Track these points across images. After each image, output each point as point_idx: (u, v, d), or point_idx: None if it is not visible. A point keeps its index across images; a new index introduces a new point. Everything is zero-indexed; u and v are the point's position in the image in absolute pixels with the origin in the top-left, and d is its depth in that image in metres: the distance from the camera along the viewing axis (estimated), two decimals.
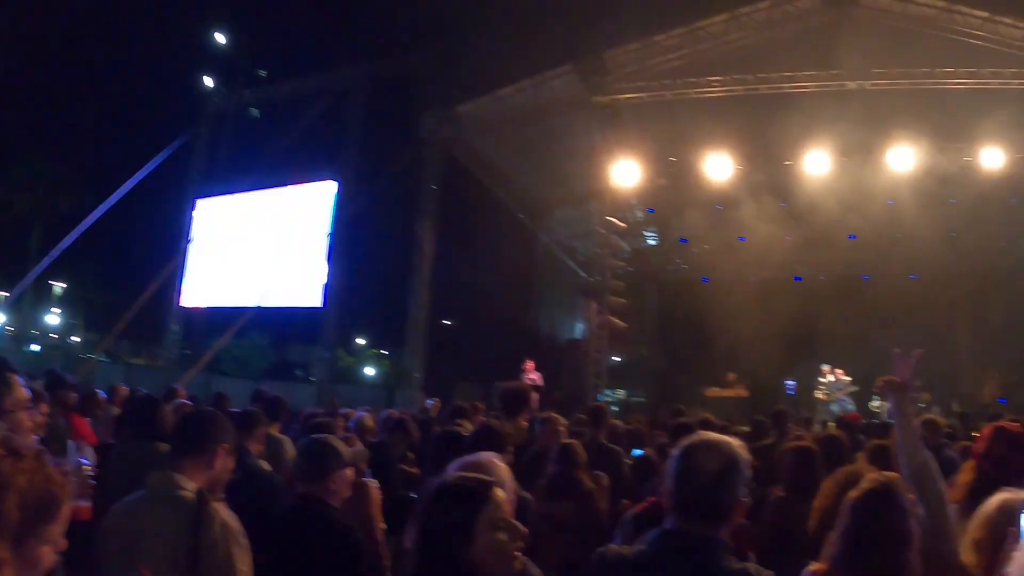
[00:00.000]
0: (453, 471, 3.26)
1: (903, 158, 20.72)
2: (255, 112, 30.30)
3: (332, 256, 24.71)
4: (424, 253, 22.01)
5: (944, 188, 23.07)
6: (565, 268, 30.55)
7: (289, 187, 26.75)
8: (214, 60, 30.42)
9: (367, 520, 5.19)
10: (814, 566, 3.57)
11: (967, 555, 3.36)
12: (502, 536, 2.75)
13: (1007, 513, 3.08)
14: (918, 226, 24.38)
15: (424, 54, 22.84)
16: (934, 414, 17.40)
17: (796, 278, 28.67)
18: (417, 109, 22.31)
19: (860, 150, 21.06)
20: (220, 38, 30.22)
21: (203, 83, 30.17)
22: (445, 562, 2.66)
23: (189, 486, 3.55)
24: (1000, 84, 20.16)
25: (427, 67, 22.75)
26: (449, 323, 29.04)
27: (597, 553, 3.05)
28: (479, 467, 3.43)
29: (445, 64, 22.12)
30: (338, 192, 25.34)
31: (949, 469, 5.86)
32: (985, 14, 19.93)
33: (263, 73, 30.93)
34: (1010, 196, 24.28)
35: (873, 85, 20.26)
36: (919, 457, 3.81)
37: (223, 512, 3.55)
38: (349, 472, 4.56)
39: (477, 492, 2.77)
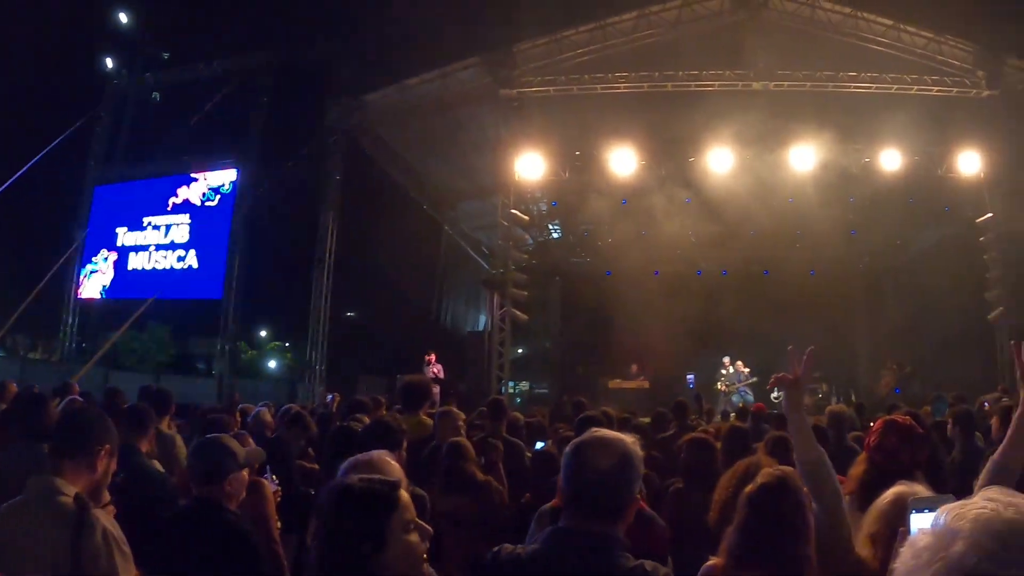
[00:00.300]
0: (345, 471, 3.27)
1: (805, 157, 21.16)
2: (157, 97, 29.53)
3: (233, 246, 24.28)
4: (327, 244, 21.69)
5: (844, 187, 23.68)
6: (469, 260, 30.55)
7: (191, 174, 26.09)
8: (115, 40, 29.19)
9: (263, 521, 5.09)
10: (712, 560, 3.60)
11: (863, 548, 3.40)
12: (412, 539, 2.74)
13: (901, 507, 3.09)
14: (818, 223, 24.90)
15: (331, 41, 22.48)
16: (837, 405, 17.87)
17: (698, 272, 29.00)
18: (323, 97, 21.96)
19: (763, 148, 21.34)
20: (122, 17, 28.96)
21: (104, 64, 28.99)
22: (355, 570, 2.61)
23: (69, 491, 3.36)
24: (900, 89, 20.86)
25: (334, 54, 22.38)
26: (352, 315, 28.72)
27: (491, 553, 3.02)
28: (371, 466, 3.39)
29: (352, 52, 21.81)
30: (240, 180, 24.85)
31: (852, 460, 6.08)
32: (889, 22, 20.63)
33: (166, 56, 30.12)
34: (907, 196, 24.92)
35: (777, 86, 20.67)
36: (812, 454, 3.82)
37: (104, 519, 3.36)
38: (245, 473, 4.39)
39: (385, 497, 2.73)
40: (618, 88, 20.65)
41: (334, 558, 2.63)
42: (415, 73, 20.95)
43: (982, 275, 22.94)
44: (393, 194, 24.26)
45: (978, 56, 20.97)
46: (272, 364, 37.28)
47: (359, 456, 3.59)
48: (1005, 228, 22.13)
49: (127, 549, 3.36)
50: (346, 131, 21.56)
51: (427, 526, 2.84)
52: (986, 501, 1.34)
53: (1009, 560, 1.22)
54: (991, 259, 22.48)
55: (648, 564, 2.86)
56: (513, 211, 21.81)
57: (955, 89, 21.06)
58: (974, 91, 21.09)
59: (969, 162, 21.79)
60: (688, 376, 25.38)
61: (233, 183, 24.91)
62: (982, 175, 22.08)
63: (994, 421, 7.58)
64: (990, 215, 22.44)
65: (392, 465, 3.55)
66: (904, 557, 1.38)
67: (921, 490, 3.37)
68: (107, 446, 3.61)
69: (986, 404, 13.39)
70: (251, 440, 6.09)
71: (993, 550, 1.24)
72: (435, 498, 5.79)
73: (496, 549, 3.03)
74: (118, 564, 3.30)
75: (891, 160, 21.45)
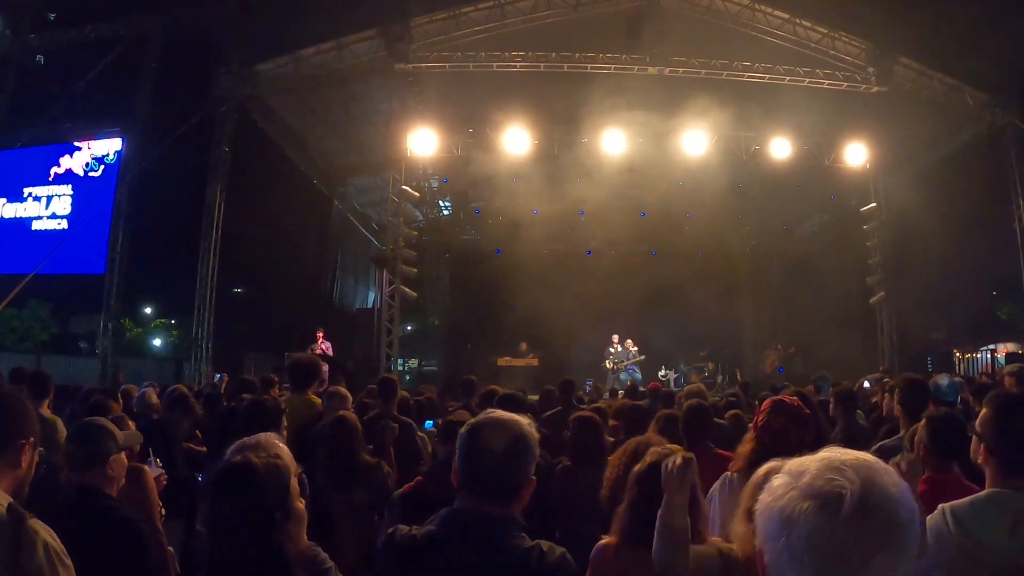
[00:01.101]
0: (231, 454, 3.13)
1: (696, 142, 21.57)
2: (41, 59, 28.37)
3: (117, 219, 23.47)
4: (214, 217, 21.10)
5: (734, 173, 24.08)
6: (359, 236, 30.28)
7: (74, 143, 25.06)
8: None
9: (146, 507, 4.90)
10: (605, 539, 3.67)
11: (738, 525, 3.40)
12: (301, 505, 2.84)
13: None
14: (707, 206, 25.36)
15: (223, 7, 21.74)
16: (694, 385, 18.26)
17: (588, 251, 29.29)
18: (213, 65, 21.27)
19: (656, 132, 21.57)
20: None
21: None
22: (265, 539, 2.64)
23: (2, 500, 2.81)
24: (793, 81, 21.39)
25: (226, 21, 21.68)
26: (240, 291, 28.18)
27: (385, 536, 2.98)
28: (258, 448, 3.22)
29: (245, 19, 21.19)
30: (126, 150, 23.95)
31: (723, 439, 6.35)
32: (786, 15, 21.12)
33: (52, 16, 28.93)
34: (795, 183, 25.56)
35: (673, 71, 20.86)
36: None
37: (43, 531, 2.84)
38: (124, 457, 4.19)
39: (286, 468, 2.79)
40: (514, 67, 20.58)
41: (244, 532, 2.63)
42: (310, 44, 20.51)
43: (864, 261, 23.78)
44: (283, 168, 23.73)
45: (870, 53, 21.61)
46: (158, 342, 36.24)
47: (246, 439, 3.46)
48: (887, 217, 22.97)
49: (69, 562, 2.89)
50: (237, 101, 20.93)
51: (301, 506, 2.91)
52: (826, 451, 1.63)
53: (846, 478, 1.54)
54: (873, 246, 23.33)
55: (544, 544, 2.86)
56: (404, 187, 21.71)
57: (846, 83, 21.70)
58: (864, 86, 21.75)
59: (856, 153, 22.61)
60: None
61: (118, 153, 23.94)
62: (868, 166, 22.94)
63: (884, 399, 7.84)
64: (874, 205, 23.30)
65: (280, 447, 3.42)
66: (763, 497, 1.65)
67: None
68: (31, 438, 3.08)
69: (866, 383, 13.91)
70: (130, 423, 5.86)
71: (832, 477, 1.55)
72: (325, 482, 5.68)
73: (391, 531, 2.98)
74: None
75: (781, 148, 22.05)
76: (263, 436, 3.46)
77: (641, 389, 14.95)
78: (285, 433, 5.35)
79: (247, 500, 2.68)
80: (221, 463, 2.88)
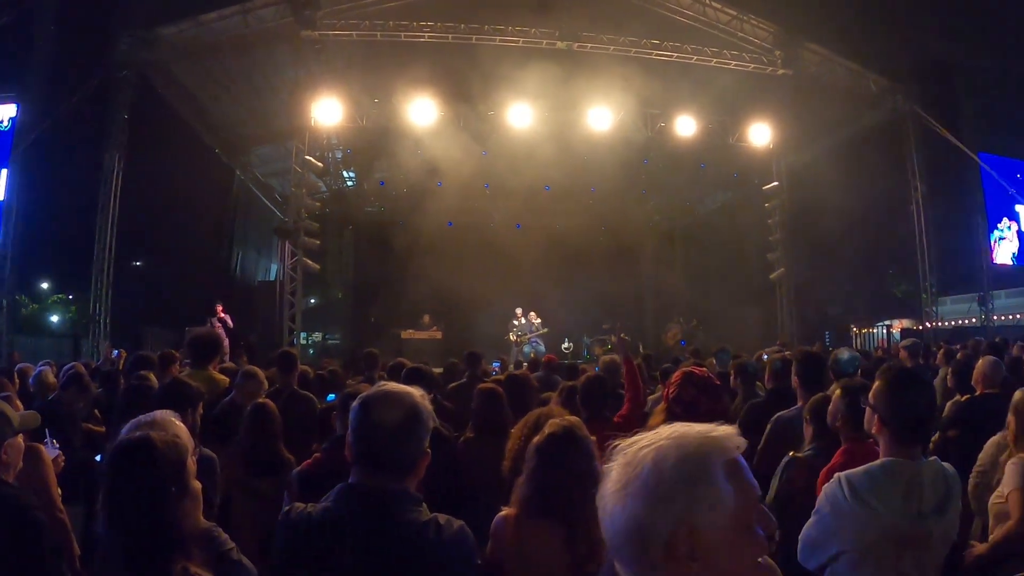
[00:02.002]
0: (129, 431, 3.09)
1: (602, 118, 21.73)
2: None
3: (11, 189, 22.62)
4: (112, 187, 20.42)
5: (639, 149, 24.36)
6: (261, 207, 29.81)
7: None
8: None
9: (44, 490, 4.72)
10: (505, 510, 3.68)
11: None
12: (197, 484, 2.83)
13: None
14: (611, 181, 25.60)
15: None
16: (609, 355, 18.44)
17: (492, 224, 29.30)
18: (112, 28, 20.56)
19: (562, 106, 21.65)
20: None
21: None
22: (162, 516, 2.60)
23: None
24: (700, 61, 21.77)
25: None
26: (139, 264, 27.48)
27: (282, 515, 2.95)
28: (156, 426, 3.21)
29: None
30: (20, 116, 23.11)
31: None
32: None
33: None
34: (699, 161, 25.91)
35: (581, 47, 21.01)
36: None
37: None
38: (20, 439, 4.03)
39: (183, 445, 2.78)
40: (421, 37, 20.36)
41: (139, 506, 2.59)
42: (213, 8, 19.96)
43: (765, 237, 24.18)
44: (184, 136, 22.99)
45: (777, 37, 22.15)
46: (55, 319, 35.15)
47: (142, 417, 3.40)
48: (789, 196, 23.42)
49: None
50: (136, 67, 20.24)
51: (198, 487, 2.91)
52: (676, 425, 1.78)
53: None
54: (774, 223, 23.77)
55: (441, 517, 2.90)
56: (308, 158, 21.37)
57: (752, 65, 22.19)
58: (770, 69, 22.25)
59: (760, 134, 23.10)
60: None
61: (12, 119, 23.06)
62: (771, 146, 23.43)
63: (767, 376, 7.98)
64: (776, 184, 23.70)
65: (177, 424, 3.37)
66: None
67: None
68: None
69: (765, 356, 14.23)
70: (18, 403, 5.64)
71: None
72: (233, 470, 5.57)
73: (287, 509, 2.96)
74: None
75: (686, 126, 22.40)
76: (160, 414, 3.38)
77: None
78: (200, 418, 5.18)
79: (143, 474, 2.62)
80: (124, 439, 2.79)
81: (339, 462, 3.63)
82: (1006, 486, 4.44)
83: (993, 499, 4.58)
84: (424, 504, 2.93)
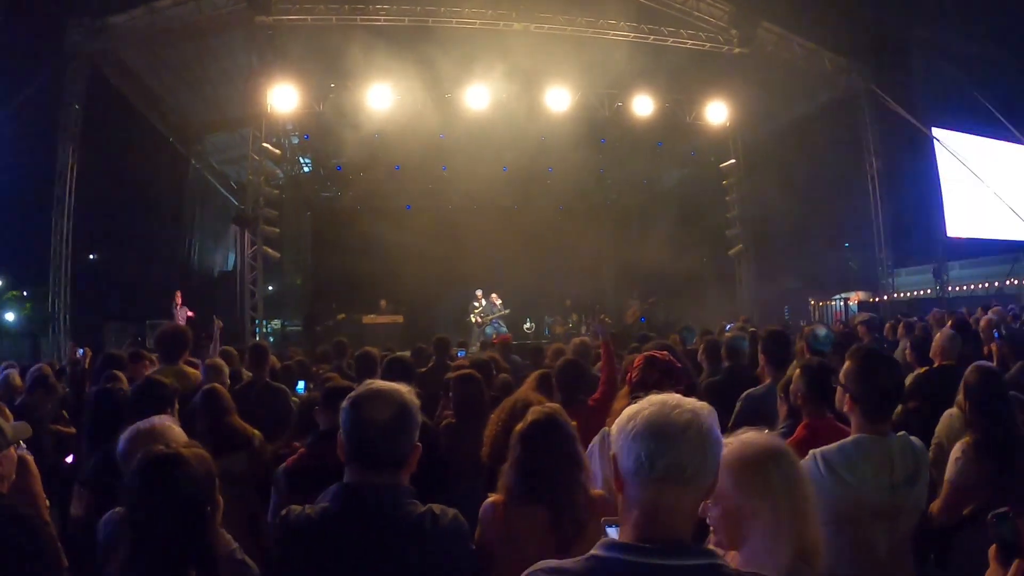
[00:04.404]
0: (129, 440, 3.23)
1: (559, 98, 21.74)
2: None
3: None
4: (66, 180, 20.11)
5: (596, 128, 24.45)
6: (218, 196, 29.56)
7: None
8: None
9: (33, 501, 4.65)
10: (492, 497, 3.74)
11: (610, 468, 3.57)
12: (220, 497, 2.79)
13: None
14: (569, 161, 25.61)
15: None
16: (584, 336, 18.65)
17: (450, 207, 29.30)
18: (62, 16, 20.17)
19: (519, 88, 21.66)
20: None
21: None
22: (198, 534, 2.63)
23: None
24: (657, 40, 21.86)
25: None
26: (95, 258, 27.04)
27: (280, 518, 2.96)
28: (157, 435, 3.29)
29: None
30: None
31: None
32: None
33: None
34: (656, 139, 26.00)
35: (538, 28, 20.97)
36: None
37: None
38: (13, 451, 3.86)
39: (205, 468, 2.75)
40: (378, 20, 20.28)
41: (176, 527, 2.58)
42: None
43: (723, 214, 24.36)
44: (138, 126, 22.68)
45: (733, 16, 22.31)
46: (10, 317, 34.52)
47: (140, 425, 3.45)
48: (746, 173, 23.61)
49: None
50: (88, 56, 19.93)
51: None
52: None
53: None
54: (732, 200, 23.95)
55: (436, 508, 2.97)
56: (265, 144, 21.19)
57: (708, 44, 22.40)
58: (726, 48, 22.38)
59: (717, 112, 23.30)
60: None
61: None
62: (728, 124, 23.59)
63: (723, 353, 8.16)
64: (733, 161, 23.86)
65: (176, 430, 3.43)
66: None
67: None
68: None
69: (728, 328, 14.47)
70: (8, 413, 5.58)
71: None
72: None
73: (284, 513, 2.98)
74: None
75: (643, 105, 22.48)
76: (158, 421, 3.35)
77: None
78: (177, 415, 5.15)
79: (181, 494, 2.60)
80: (152, 453, 2.73)
81: (324, 457, 3.66)
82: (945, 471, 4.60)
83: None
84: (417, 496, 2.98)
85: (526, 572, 2.13)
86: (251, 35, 20.56)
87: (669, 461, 2.03)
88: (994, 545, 2.50)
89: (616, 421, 2.18)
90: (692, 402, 2.14)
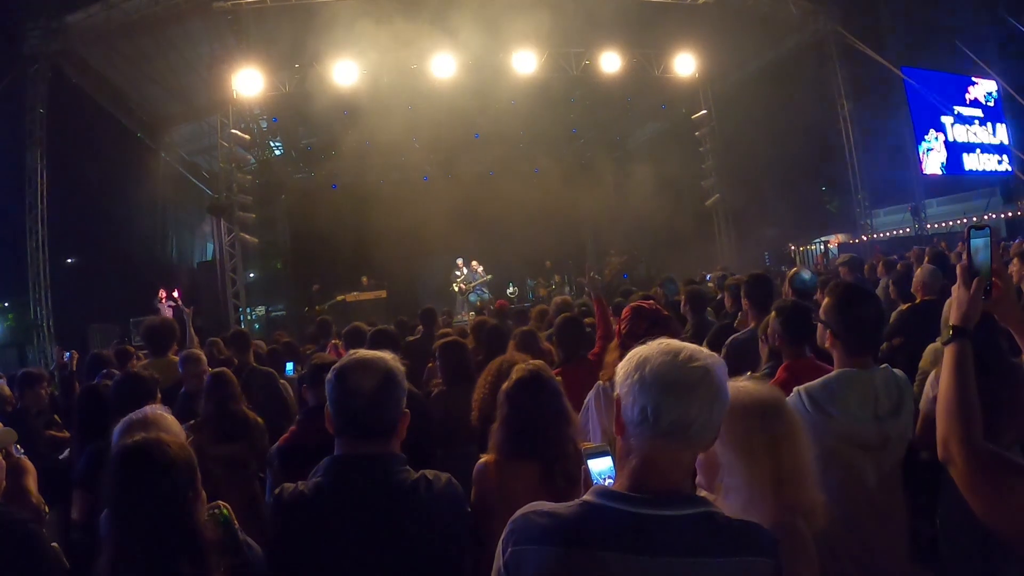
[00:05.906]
0: (122, 431, 3.20)
1: (526, 61, 21.65)
2: None
3: None
4: (37, 186, 19.90)
5: (565, 89, 24.39)
6: (190, 187, 29.37)
7: None
8: None
9: (28, 505, 4.65)
10: (484, 457, 3.78)
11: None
12: (201, 502, 2.76)
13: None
14: (540, 123, 25.58)
15: None
16: (566, 295, 18.71)
17: (424, 178, 29.28)
18: (19, 20, 19.90)
19: (485, 53, 21.48)
20: None
21: None
22: (180, 520, 2.60)
23: None
24: None
25: None
26: (73, 261, 26.82)
27: (274, 496, 2.97)
28: (150, 424, 3.29)
29: None
30: None
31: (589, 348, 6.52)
32: None
33: None
34: (625, 95, 25.96)
35: None
36: None
37: None
38: (2, 457, 3.93)
39: (186, 456, 2.73)
40: None
41: (158, 516, 2.56)
42: None
43: (698, 165, 24.39)
44: (104, 124, 22.44)
45: None
46: None
47: (132, 416, 3.42)
48: (718, 123, 23.60)
49: None
50: (48, 58, 19.64)
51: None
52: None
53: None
54: (706, 151, 23.99)
55: (429, 473, 2.99)
56: (233, 131, 21.10)
57: None
58: None
59: (685, 64, 23.21)
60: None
61: None
62: (697, 75, 23.50)
63: (724, 296, 8.35)
64: (704, 112, 23.84)
65: (169, 419, 3.42)
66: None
67: None
68: None
69: (708, 277, 14.54)
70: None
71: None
72: (205, 441, 5.55)
73: (278, 491, 2.97)
74: None
75: (610, 62, 22.35)
76: (150, 411, 3.34)
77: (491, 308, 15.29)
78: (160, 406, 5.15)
79: (161, 483, 2.58)
80: (126, 444, 2.72)
81: (315, 432, 3.67)
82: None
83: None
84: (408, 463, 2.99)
85: (518, 512, 2.14)
86: (210, 22, 20.29)
87: (676, 417, 2.01)
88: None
89: (623, 363, 2.16)
90: (706, 354, 2.11)
